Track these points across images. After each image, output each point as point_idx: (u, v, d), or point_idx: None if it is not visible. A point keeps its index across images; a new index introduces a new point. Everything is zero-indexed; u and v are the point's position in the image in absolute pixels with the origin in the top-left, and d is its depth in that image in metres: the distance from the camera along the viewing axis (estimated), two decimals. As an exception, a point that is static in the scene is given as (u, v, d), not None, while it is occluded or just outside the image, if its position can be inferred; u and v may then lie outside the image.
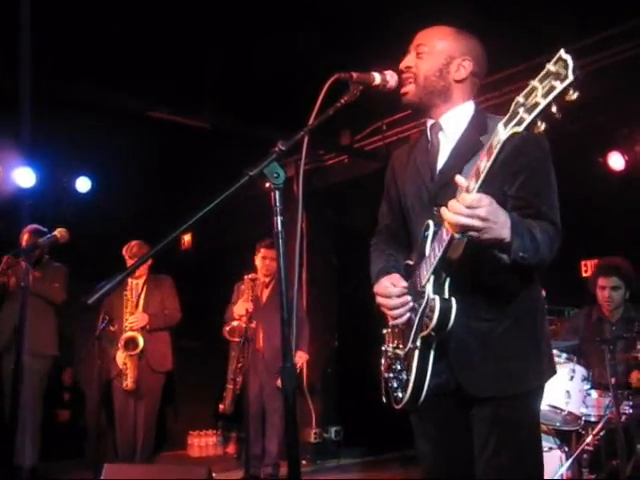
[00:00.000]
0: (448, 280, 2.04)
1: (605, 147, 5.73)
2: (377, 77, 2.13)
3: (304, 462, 6.65)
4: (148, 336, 5.47)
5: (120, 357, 5.37)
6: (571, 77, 1.53)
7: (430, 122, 2.30)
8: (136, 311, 5.50)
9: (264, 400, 5.47)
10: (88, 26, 4.72)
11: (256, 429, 5.48)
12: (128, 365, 5.37)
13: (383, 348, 2.34)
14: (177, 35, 4.87)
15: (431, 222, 2.11)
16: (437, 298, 2.01)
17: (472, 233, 1.83)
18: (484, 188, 1.81)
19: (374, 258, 2.49)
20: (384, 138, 6.53)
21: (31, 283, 5.12)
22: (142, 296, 5.60)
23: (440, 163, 2.23)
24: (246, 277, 5.59)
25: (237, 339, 5.45)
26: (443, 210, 1.84)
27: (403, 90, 2.23)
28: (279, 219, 1.77)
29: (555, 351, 4.20)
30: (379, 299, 2.25)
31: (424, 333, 2.05)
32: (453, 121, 2.24)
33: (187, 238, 7.85)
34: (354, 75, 2.06)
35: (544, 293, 4.28)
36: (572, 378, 4.20)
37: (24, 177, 6.18)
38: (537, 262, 1.99)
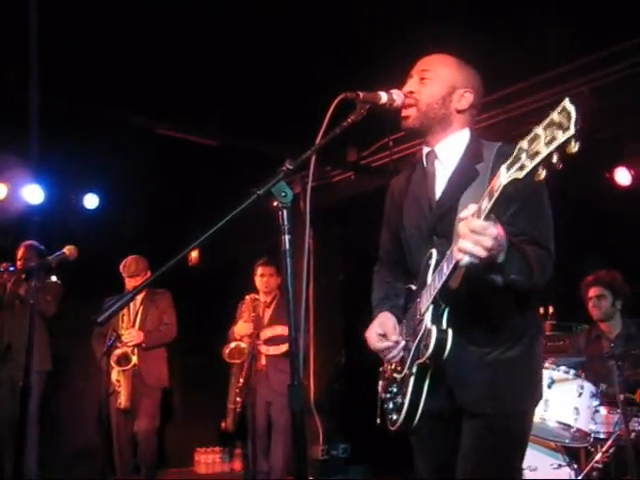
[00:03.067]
0: (447, 310, 2.07)
1: (611, 162, 5.72)
2: (384, 96, 2.15)
3: (311, 479, 6.62)
4: (143, 353, 5.47)
5: (114, 374, 5.37)
6: (572, 130, 1.53)
7: (426, 150, 2.32)
8: (132, 328, 5.50)
9: (271, 417, 5.45)
10: (95, 44, 4.75)
11: (262, 445, 5.46)
12: (122, 382, 5.37)
13: (381, 369, 2.37)
14: (183, 51, 4.90)
15: (434, 251, 2.14)
16: (434, 328, 2.05)
17: (474, 260, 1.83)
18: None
19: (375, 286, 2.55)
20: (391, 154, 6.52)
21: (24, 294, 5.17)
22: (140, 312, 5.61)
23: (437, 192, 2.25)
24: (247, 297, 5.59)
25: (236, 360, 5.45)
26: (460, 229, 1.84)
27: (404, 114, 2.26)
28: (287, 238, 1.78)
29: (563, 367, 4.19)
30: (371, 347, 2.34)
31: (420, 361, 2.10)
32: (449, 149, 2.26)
33: (194, 254, 7.86)
34: (361, 94, 2.08)
35: (552, 309, 4.30)
36: (580, 395, 4.17)
37: (32, 194, 6.22)
38: (530, 286, 2.04)
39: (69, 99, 5.25)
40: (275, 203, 1.82)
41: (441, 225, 2.14)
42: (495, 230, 1.79)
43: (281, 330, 5.39)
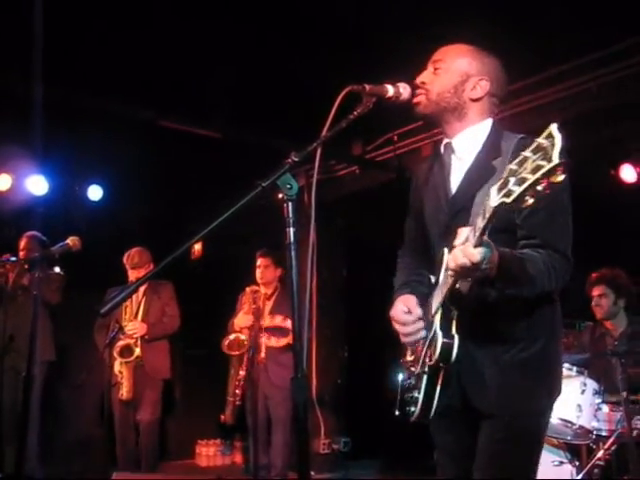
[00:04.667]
0: (456, 315, 2.07)
1: (617, 159, 5.70)
2: (390, 89, 2.14)
3: (312, 473, 6.62)
4: (146, 345, 5.47)
5: (116, 365, 5.38)
6: (556, 161, 1.52)
7: (445, 141, 2.31)
8: (135, 319, 5.50)
9: (269, 412, 5.45)
10: (99, 36, 4.74)
11: (262, 439, 5.46)
12: (124, 374, 5.37)
13: (401, 360, 2.37)
14: (188, 44, 4.88)
15: (446, 250, 2.12)
16: (440, 335, 2.05)
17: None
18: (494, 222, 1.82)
19: (399, 269, 2.55)
20: (395, 149, 6.52)
21: (27, 285, 5.18)
22: (142, 303, 5.61)
23: (453, 187, 2.24)
24: (247, 289, 5.59)
25: (236, 352, 5.44)
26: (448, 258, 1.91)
27: (415, 100, 2.23)
28: (292, 230, 1.78)
29: (566, 364, 4.19)
30: (394, 324, 2.29)
31: (430, 363, 2.10)
32: (466, 142, 2.24)
33: (197, 247, 7.86)
34: (367, 87, 2.07)
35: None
36: (583, 392, 4.18)
37: (36, 185, 6.21)
38: (536, 292, 2.04)
39: (73, 90, 5.24)
40: (280, 195, 1.81)
41: (455, 223, 2.10)
42: (479, 257, 1.80)
43: (281, 321, 5.38)
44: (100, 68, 4.99)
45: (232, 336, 5.46)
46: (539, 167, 1.54)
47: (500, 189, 1.65)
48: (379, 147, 6.77)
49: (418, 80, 2.26)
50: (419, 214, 2.42)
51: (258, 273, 5.63)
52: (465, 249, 1.81)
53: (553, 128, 1.55)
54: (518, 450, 2.14)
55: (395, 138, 6.47)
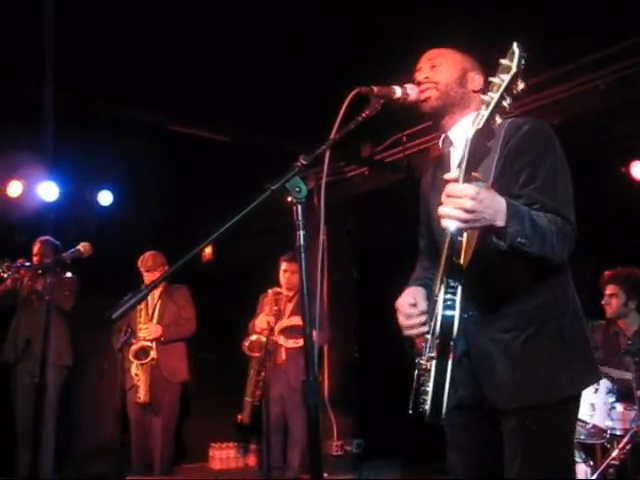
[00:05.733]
0: (460, 289, 1.99)
1: (628, 157, 5.68)
2: (398, 90, 2.14)
3: (325, 474, 6.61)
4: (162, 347, 5.48)
5: (132, 368, 5.40)
6: (515, 69, 1.61)
7: (442, 136, 2.31)
8: (150, 322, 5.52)
9: (286, 414, 5.45)
10: (109, 41, 4.76)
11: (276, 441, 5.47)
12: (140, 376, 5.39)
13: (417, 361, 2.33)
14: (197, 48, 4.90)
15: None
16: (440, 309, 1.99)
17: (461, 225, 1.80)
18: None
19: (416, 269, 2.56)
20: (404, 150, 6.52)
21: (41, 290, 5.21)
22: (157, 306, 5.63)
23: None
24: (270, 290, 5.59)
25: (256, 354, 5.45)
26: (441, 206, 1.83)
27: (424, 96, 2.22)
28: (301, 233, 1.78)
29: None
30: (398, 315, 2.27)
31: (437, 342, 2.03)
32: (461, 132, 2.22)
33: (208, 250, 7.87)
34: (375, 89, 2.07)
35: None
36: (596, 391, 4.15)
37: (47, 191, 6.24)
38: (546, 253, 1.93)
39: (83, 96, 5.27)
40: (289, 198, 1.82)
41: None
42: (472, 190, 1.75)
43: (299, 320, 5.38)
44: (110, 73, 5.02)
45: (253, 337, 5.48)
46: (502, 82, 1.66)
47: (474, 121, 1.75)
48: (388, 148, 6.77)
49: (420, 77, 2.25)
50: (427, 217, 2.42)
51: (283, 278, 5.62)
52: (451, 186, 1.78)
53: (514, 45, 1.66)
54: (546, 450, 2.04)
55: (404, 139, 6.48)
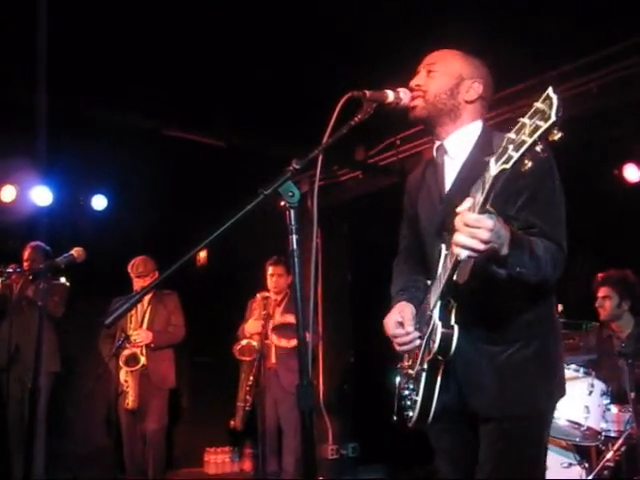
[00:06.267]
0: (455, 306, 2.05)
1: (620, 159, 5.70)
2: (390, 95, 2.15)
3: (321, 478, 6.61)
4: (152, 354, 5.48)
5: (122, 374, 5.38)
6: (554, 118, 1.54)
7: (437, 144, 2.32)
8: (140, 328, 5.51)
9: (280, 418, 5.45)
10: (103, 46, 4.76)
11: (271, 445, 5.46)
12: (130, 382, 5.37)
13: (399, 366, 2.36)
14: (190, 53, 4.90)
15: (443, 246, 2.12)
16: (439, 325, 2.04)
17: (472, 254, 1.82)
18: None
19: (394, 277, 2.55)
20: (398, 153, 6.53)
21: (31, 296, 5.19)
22: (147, 313, 5.61)
23: (447, 186, 2.25)
24: (258, 295, 5.60)
25: (247, 358, 5.45)
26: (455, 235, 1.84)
27: (412, 104, 2.23)
28: (294, 238, 1.78)
29: (573, 366, 4.18)
30: (388, 333, 2.31)
31: (429, 357, 2.09)
32: (459, 142, 2.25)
33: (202, 255, 7.87)
34: (367, 93, 2.08)
35: (561, 308, 4.27)
36: (591, 393, 4.16)
37: (41, 196, 6.22)
38: (538, 279, 2.00)
39: (77, 101, 5.27)
40: (282, 203, 1.82)
41: (450, 220, 2.07)
42: (491, 222, 1.76)
43: (292, 318, 5.38)
44: (103, 78, 5.01)
45: (244, 342, 5.48)
46: (537, 127, 1.57)
47: (499, 158, 1.67)
48: (382, 152, 6.78)
49: (413, 83, 2.26)
50: (413, 220, 2.44)
51: (271, 282, 5.64)
52: (469, 215, 1.78)
53: (549, 90, 1.59)
54: (520, 455, 2.12)
55: (397, 142, 6.48)
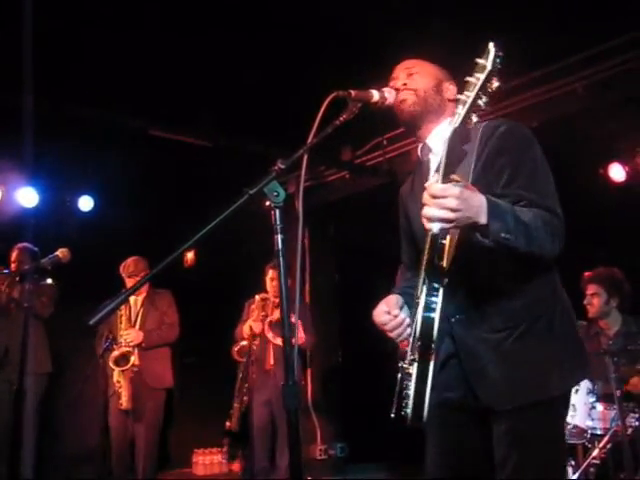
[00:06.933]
0: (441, 291, 1.98)
1: (606, 158, 5.74)
2: (375, 94, 2.16)
3: (309, 478, 6.62)
4: (145, 353, 5.44)
5: (115, 375, 5.35)
6: (489, 67, 1.64)
7: (420, 145, 2.32)
8: (132, 328, 5.49)
9: (275, 417, 5.44)
10: (88, 46, 4.75)
11: (262, 444, 5.46)
12: (122, 383, 5.33)
13: (399, 364, 2.34)
14: (176, 53, 4.89)
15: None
16: (421, 311, 1.98)
17: (445, 225, 1.80)
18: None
19: (397, 280, 2.56)
20: (385, 153, 6.53)
21: (18, 297, 5.16)
22: (140, 313, 5.59)
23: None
24: (257, 296, 5.60)
25: (245, 359, 5.46)
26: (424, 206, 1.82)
27: (401, 97, 2.22)
28: (280, 237, 1.79)
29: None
30: (376, 322, 2.27)
31: (418, 344, 2.03)
32: (439, 138, 2.23)
33: (190, 255, 7.86)
34: (352, 93, 2.08)
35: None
36: (577, 391, 4.20)
37: (26, 197, 6.19)
38: (532, 247, 1.92)
39: (62, 101, 5.24)
40: (268, 203, 1.82)
41: None
42: (457, 189, 1.76)
43: (291, 318, 5.37)
44: (89, 79, 4.99)
45: (243, 343, 5.48)
46: (477, 81, 1.69)
47: (451, 121, 1.78)
48: (369, 152, 6.78)
49: (398, 84, 2.25)
50: (407, 231, 2.43)
51: (270, 286, 5.64)
52: (435, 185, 1.78)
53: (490, 44, 1.68)
54: (537, 449, 2.04)
55: (384, 142, 6.49)
